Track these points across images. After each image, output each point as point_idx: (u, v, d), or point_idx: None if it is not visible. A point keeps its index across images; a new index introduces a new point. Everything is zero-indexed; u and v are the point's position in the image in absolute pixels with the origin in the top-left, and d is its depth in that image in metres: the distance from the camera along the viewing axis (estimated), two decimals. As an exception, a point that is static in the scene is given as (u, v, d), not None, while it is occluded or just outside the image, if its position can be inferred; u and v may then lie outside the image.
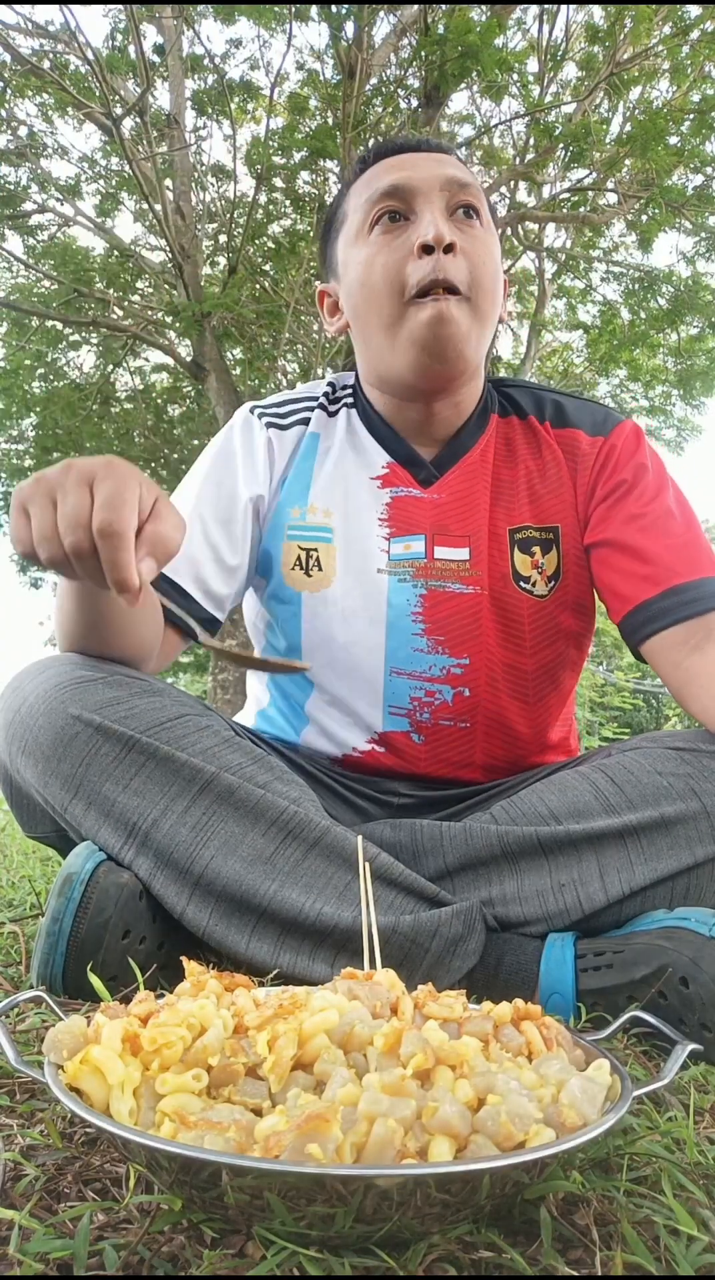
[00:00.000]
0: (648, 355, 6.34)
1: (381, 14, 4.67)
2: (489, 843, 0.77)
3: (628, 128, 4.73)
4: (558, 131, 4.67)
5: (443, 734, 0.91)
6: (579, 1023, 0.68)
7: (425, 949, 0.71)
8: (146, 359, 6.69)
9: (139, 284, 5.73)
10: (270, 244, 5.51)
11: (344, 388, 1.00)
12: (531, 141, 5.01)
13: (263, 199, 5.18)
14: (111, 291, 5.43)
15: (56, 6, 4.29)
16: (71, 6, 3.89)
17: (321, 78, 5.12)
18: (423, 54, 4.29)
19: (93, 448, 6.59)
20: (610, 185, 4.91)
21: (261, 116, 5.21)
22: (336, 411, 0.99)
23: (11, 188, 5.07)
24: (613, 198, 5.06)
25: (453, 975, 0.72)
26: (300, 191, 5.43)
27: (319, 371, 5.51)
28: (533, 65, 4.87)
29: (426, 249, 0.83)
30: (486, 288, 0.88)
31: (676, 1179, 0.43)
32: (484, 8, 4.32)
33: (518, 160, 5.25)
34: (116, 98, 4.26)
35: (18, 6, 4.29)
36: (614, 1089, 0.43)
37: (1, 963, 0.78)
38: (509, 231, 5.75)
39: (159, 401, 6.95)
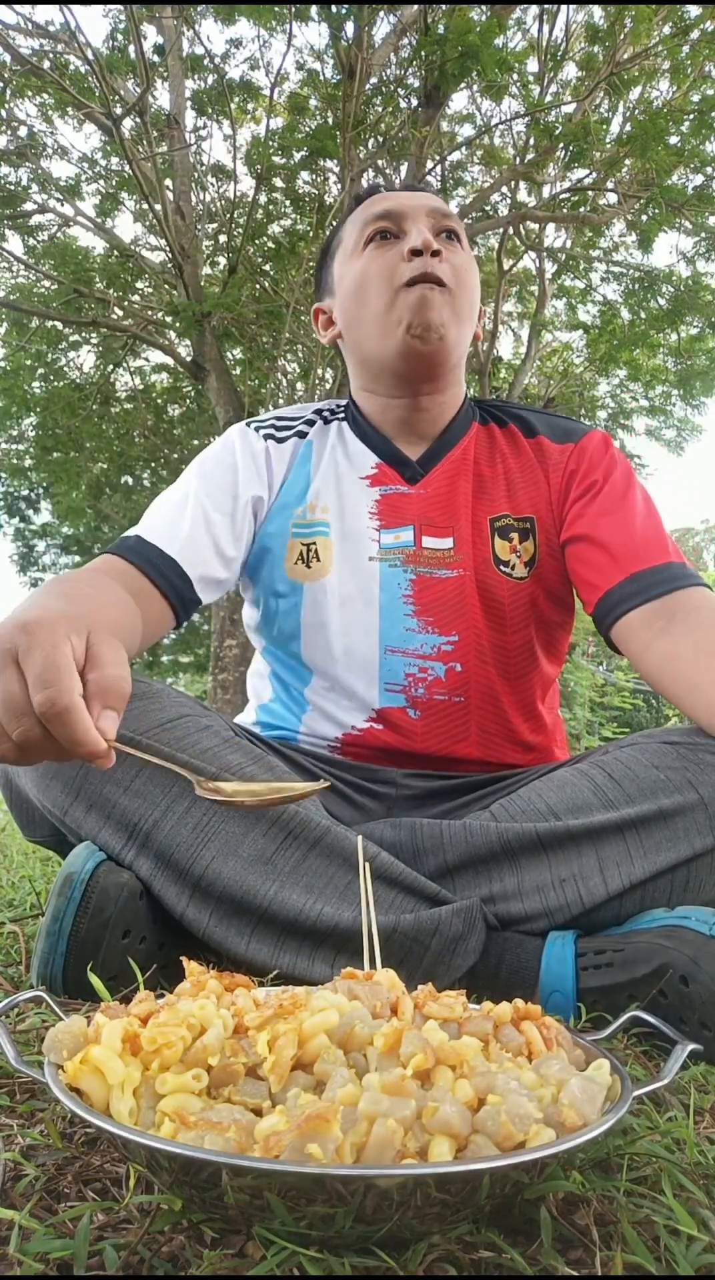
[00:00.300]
0: (648, 355, 6.34)
1: (381, 14, 4.67)
2: (489, 840, 0.77)
3: (628, 128, 4.73)
4: (558, 131, 4.67)
5: (438, 708, 0.95)
6: (579, 1022, 0.69)
7: (426, 947, 0.71)
8: (146, 359, 6.69)
9: (139, 284, 5.73)
10: (270, 244, 5.51)
11: (338, 406, 1.09)
12: (531, 141, 5.01)
13: (263, 199, 5.18)
14: (111, 291, 5.42)
15: (56, 6, 4.29)
16: (71, 6, 3.90)
17: (321, 78, 5.12)
18: (423, 54, 4.29)
19: (93, 447, 6.59)
20: (610, 185, 4.91)
21: (261, 116, 5.21)
22: (329, 424, 1.07)
23: (11, 188, 5.07)
24: (613, 198, 5.06)
25: (453, 973, 0.72)
26: (300, 191, 5.43)
27: (319, 371, 5.51)
28: (533, 65, 4.87)
29: (416, 252, 0.93)
30: (467, 290, 0.97)
31: (676, 1179, 0.43)
32: (484, 8, 4.31)
33: (518, 160, 5.25)
34: (116, 98, 4.26)
35: (18, 6, 4.30)
36: (614, 1089, 0.43)
37: (1, 962, 0.78)
38: (509, 231, 5.75)
39: (159, 401, 6.95)
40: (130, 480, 7.63)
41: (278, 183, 5.29)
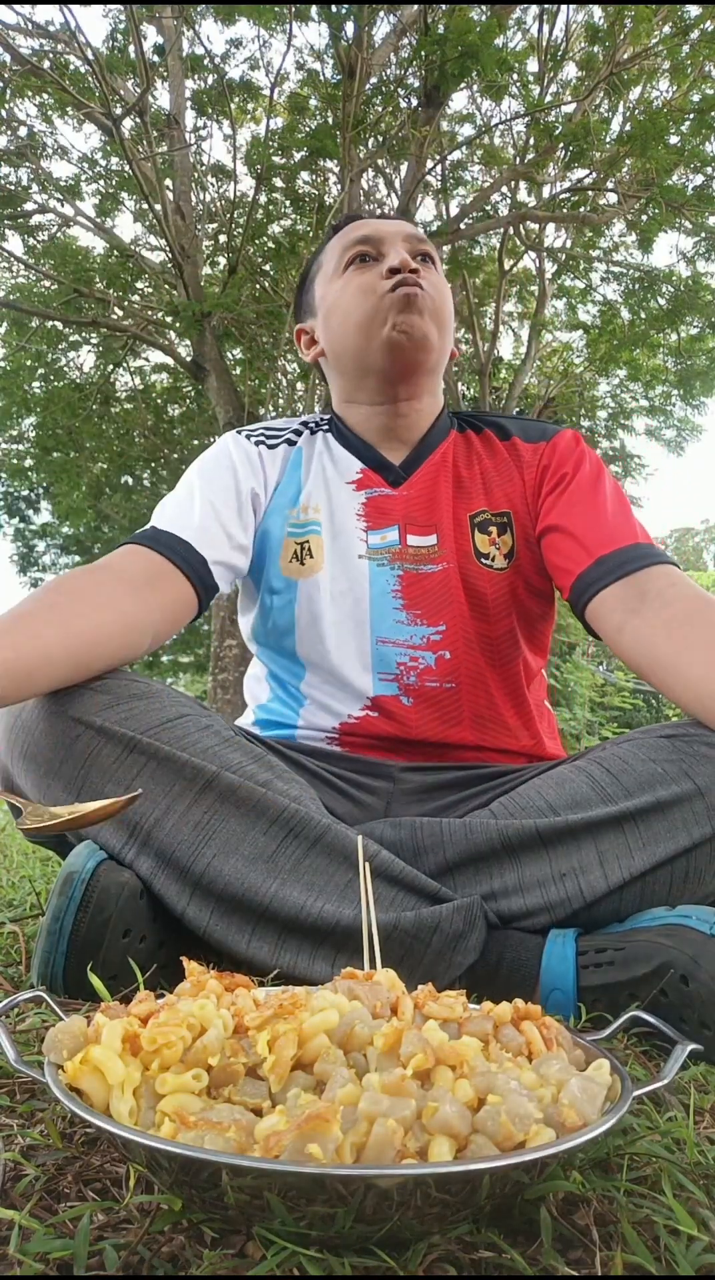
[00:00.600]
0: (648, 355, 6.34)
1: (381, 14, 4.67)
2: (489, 837, 0.77)
3: (628, 128, 4.73)
4: (558, 131, 4.67)
5: (430, 695, 0.97)
6: (579, 1021, 0.69)
7: (426, 945, 0.71)
8: (146, 359, 6.69)
9: (139, 284, 5.73)
10: (270, 244, 5.50)
11: (321, 419, 1.13)
12: (532, 141, 5.01)
13: (263, 199, 5.17)
14: (111, 291, 5.42)
15: (56, 6, 4.29)
16: (71, 6, 3.90)
17: (321, 77, 5.12)
18: (423, 54, 4.29)
19: (93, 447, 6.59)
20: (610, 185, 4.91)
21: (261, 116, 5.21)
22: (315, 434, 1.11)
23: (11, 188, 5.07)
24: (613, 198, 5.06)
25: (454, 971, 0.72)
26: (300, 191, 5.43)
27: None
28: (533, 65, 4.87)
29: (394, 271, 0.98)
30: (444, 305, 1.02)
31: (676, 1179, 0.43)
32: (484, 8, 4.31)
33: (518, 160, 5.25)
34: (116, 98, 4.26)
35: (18, 6, 4.30)
36: (614, 1089, 0.43)
37: (2, 962, 0.78)
38: (509, 231, 5.75)
39: (159, 401, 6.96)
40: (130, 480, 7.63)
41: (278, 183, 5.29)
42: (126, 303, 5.49)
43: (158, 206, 4.41)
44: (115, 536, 7.91)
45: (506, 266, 6.08)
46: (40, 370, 6.27)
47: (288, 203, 5.50)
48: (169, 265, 4.94)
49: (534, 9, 4.71)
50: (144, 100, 4.22)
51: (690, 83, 4.55)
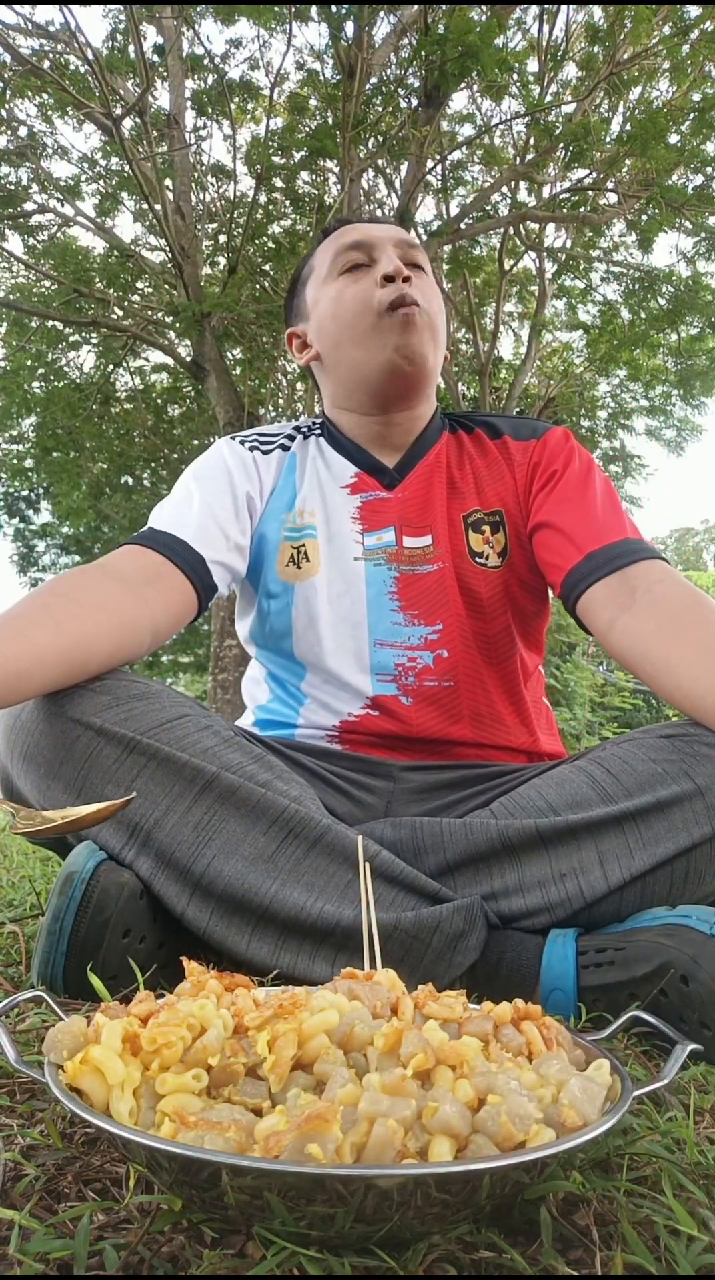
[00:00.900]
0: (648, 355, 6.34)
1: (381, 14, 4.67)
2: (489, 837, 0.77)
3: (627, 128, 4.73)
4: (558, 131, 4.67)
5: (429, 694, 0.98)
6: (579, 1021, 0.69)
7: (426, 945, 0.71)
8: (146, 359, 6.69)
9: (139, 284, 5.73)
10: (270, 244, 5.50)
11: (314, 423, 1.13)
12: (532, 141, 5.01)
13: (263, 199, 5.17)
14: (111, 291, 5.42)
15: (56, 6, 4.29)
16: (71, 6, 3.90)
17: (321, 77, 5.12)
18: (423, 54, 4.29)
19: (93, 447, 6.59)
20: (610, 185, 4.91)
21: (261, 116, 5.21)
22: (308, 439, 1.11)
23: (11, 188, 5.07)
24: (613, 198, 5.06)
25: (454, 971, 0.72)
26: (300, 191, 5.43)
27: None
28: (533, 65, 4.87)
29: (388, 279, 0.98)
30: (437, 316, 1.03)
31: (676, 1179, 0.43)
32: (484, 8, 4.31)
33: (518, 160, 5.25)
34: (116, 98, 4.26)
35: (18, 6, 4.30)
36: (614, 1089, 0.43)
37: (2, 962, 0.78)
38: (509, 231, 5.75)
39: (159, 401, 6.96)
40: (130, 480, 7.63)
41: (278, 183, 5.29)
42: (126, 303, 5.49)
43: (158, 206, 4.41)
44: (115, 536, 7.91)
45: (506, 266, 6.09)
46: (40, 370, 6.27)
47: (288, 203, 5.50)
48: (169, 265, 4.94)
49: (534, 9, 4.71)
50: (144, 100, 4.22)
51: (690, 83, 4.55)
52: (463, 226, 5.39)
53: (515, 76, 4.80)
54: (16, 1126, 0.47)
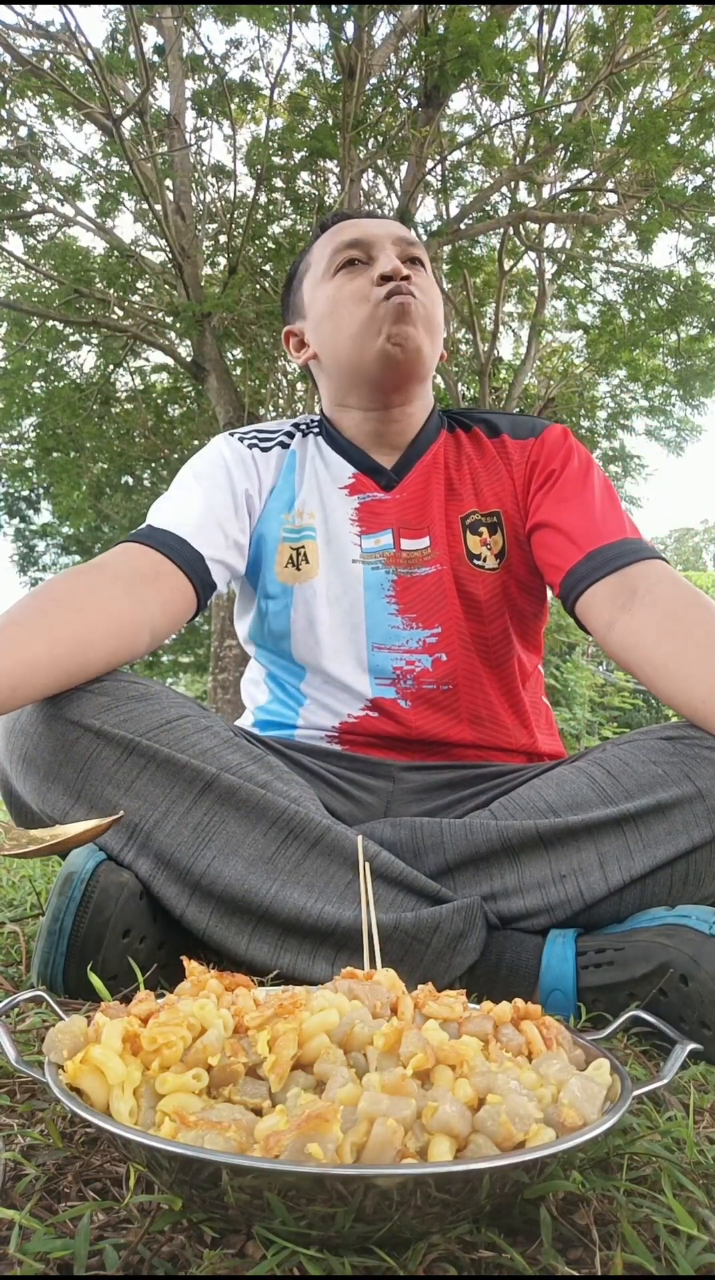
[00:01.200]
0: (647, 355, 6.34)
1: (381, 14, 4.67)
2: (489, 838, 0.77)
3: (628, 128, 4.73)
4: (558, 132, 4.67)
5: (427, 696, 0.98)
6: (579, 1021, 0.69)
7: (426, 945, 0.71)
8: (147, 359, 6.69)
9: (139, 284, 5.73)
10: (270, 244, 5.50)
11: (312, 421, 1.12)
12: (531, 141, 5.01)
13: (263, 199, 5.17)
14: (112, 292, 5.42)
15: (56, 6, 4.29)
16: (71, 6, 3.90)
17: (321, 78, 5.12)
18: (423, 54, 4.29)
19: (93, 447, 6.59)
20: (610, 185, 4.91)
21: (261, 117, 5.21)
22: (307, 437, 1.11)
23: (12, 188, 5.07)
24: (613, 198, 5.06)
25: (454, 971, 0.72)
26: (300, 192, 5.43)
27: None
28: (533, 65, 4.87)
29: (386, 278, 0.97)
30: (434, 310, 1.01)
31: (676, 1179, 0.43)
32: (484, 8, 4.32)
33: (518, 160, 5.25)
34: (117, 98, 4.26)
35: (18, 6, 4.30)
36: (614, 1089, 0.43)
37: (2, 962, 0.78)
38: (509, 231, 5.75)
39: (159, 402, 6.95)
40: (130, 480, 7.63)
41: (278, 183, 5.29)
42: (127, 303, 5.49)
43: (158, 207, 4.41)
44: (115, 536, 7.91)
45: (506, 267, 6.09)
46: (40, 370, 6.27)
47: (288, 203, 5.50)
48: (169, 265, 4.94)
49: (534, 9, 4.71)
50: (144, 101, 4.22)
51: (690, 83, 4.55)
52: (463, 227, 5.40)
53: (515, 77, 4.80)
54: (17, 1126, 0.47)
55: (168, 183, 4.91)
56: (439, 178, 5.45)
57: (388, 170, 5.62)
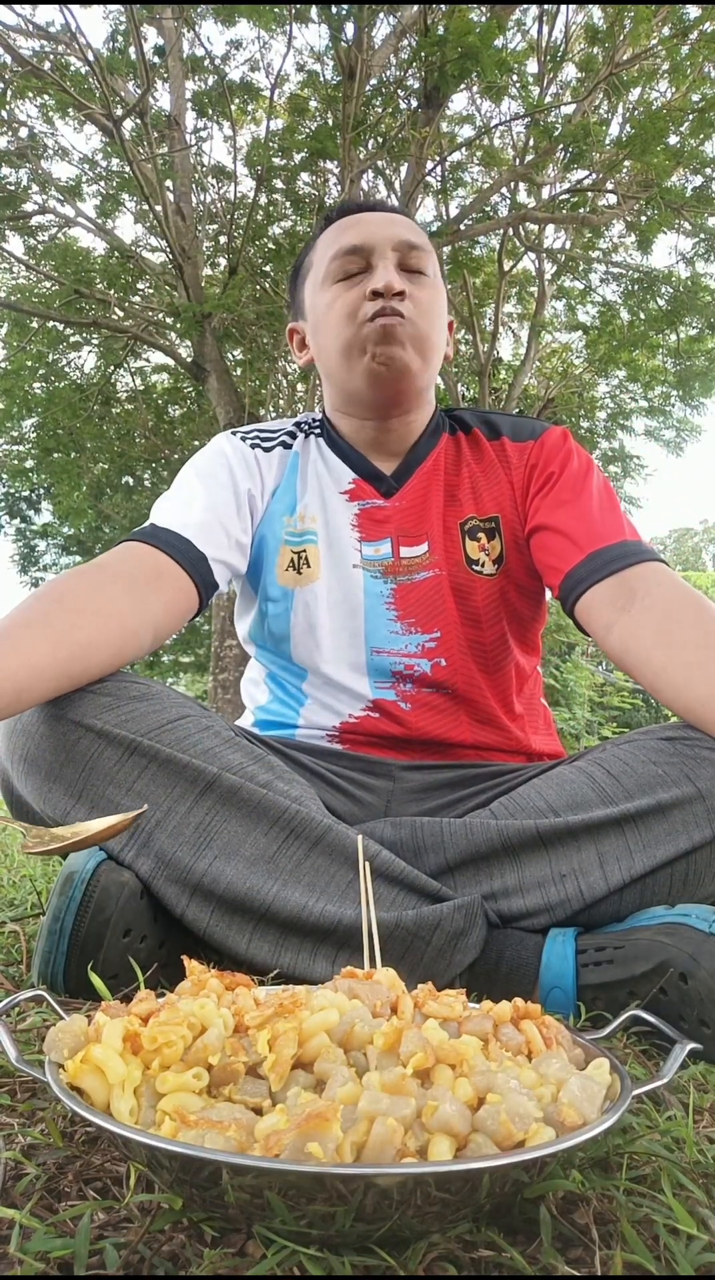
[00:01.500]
0: (647, 356, 6.34)
1: (381, 15, 4.68)
2: (489, 837, 0.78)
3: (627, 129, 4.74)
4: (557, 132, 4.67)
5: (426, 700, 0.98)
6: (579, 1020, 0.69)
7: (427, 943, 0.71)
8: (147, 360, 6.69)
9: (139, 285, 5.73)
10: (270, 245, 5.51)
11: (313, 421, 1.12)
12: (531, 142, 5.01)
13: (263, 200, 5.18)
14: (112, 292, 5.42)
15: (56, 7, 4.29)
16: (71, 7, 3.90)
17: (321, 79, 5.13)
18: (422, 55, 4.30)
19: (93, 448, 6.60)
20: (610, 186, 4.92)
21: (261, 118, 5.22)
22: (308, 438, 1.10)
23: (12, 189, 5.07)
24: (612, 199, 5.06)
25: (454, 969, 0.72)
26: (300, 193, 5.43)
27: (319, 372, 5.50)
28: (532, 66, 4.87)
29: (377, 294, 0.96)
30: (430, 321, 0.99)
31: (676, 1178, 0.43)
32: (484, 8, 4.32)
33: (517, 161, 5.25)
34: (117, 99, 4.27)
35: (18, 7, 4.30)
36: (613, 1088, 0.43)
37: (2, 962, 0.78)
38: (509, 232, 5.76)
39: (160, 402, 6.96)
40: (131, 481, 7.63)
41: (278, 184, 5.30)
42: (127, 304, 5.49)
43: (158, 207, 4.42)
44: (116, 536, 7.91)
45: (506, 267, 6.09)
46: (41, 371, 6.27)
47: (288, 204, 5.50)
48: (169, 266, 4.94)
49: (534, 10, 4.71)
50: (144, 101, 4.23)
51: (690, 83, 4.55)
52: (462, 227, 5.40)
53: (515, 77, 4.80)
54: (17, 1125, 0.47)
55: (168, 183, 4.91)
56: (439, 178, 5.46)
57: (388, 171, 5.62)
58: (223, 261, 5.73)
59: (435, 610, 0.99)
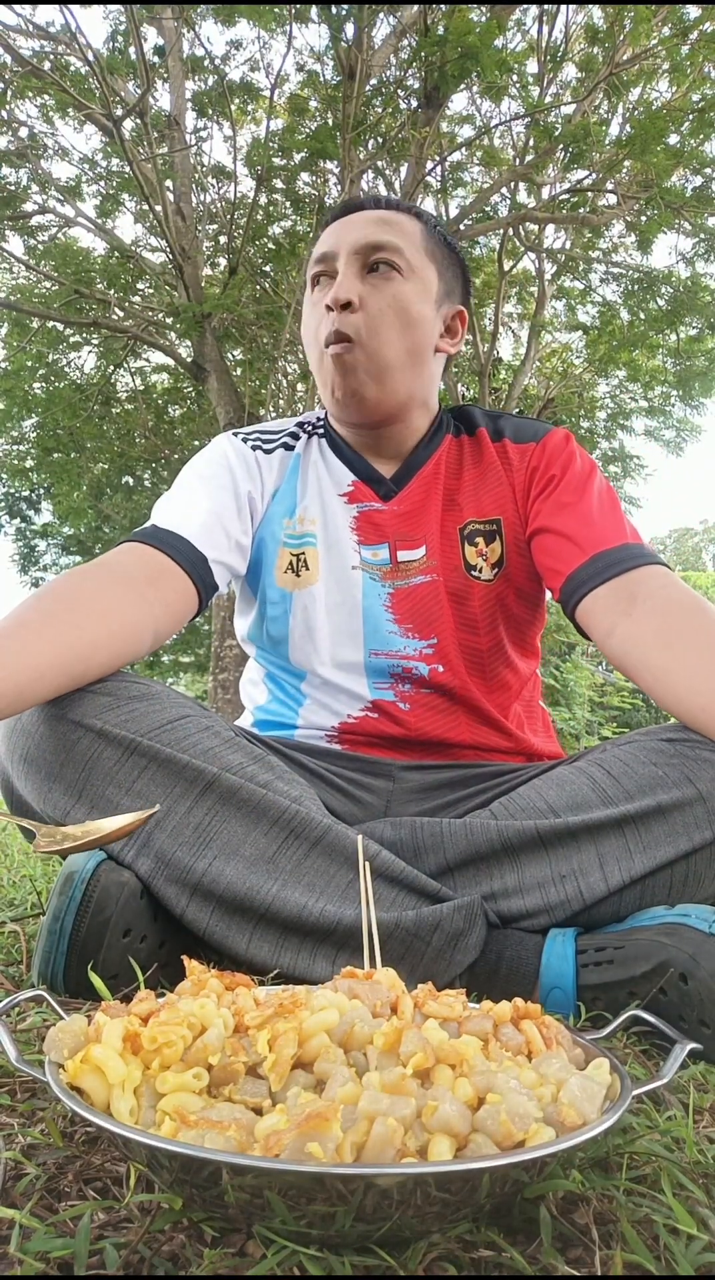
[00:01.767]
0: (647, 356, 6.34)
1: (381, 15, 4.68)
2: (489, 837, 0.78)
3: (627, 129, 4.74)
4: (557, 132, 4.67)
5: (425, 701, 0.99)
6: (579, 1020, 0.69)
7: (427, 943, 0.71)
8: (147, 360, 6.69)
9: (139, 285, 5.73)
10: (270, 245, 5.51)
11: (317, 421, 1.12)
12: (531, 142, 5.01)
13: (263, 200, 5.18)
14: (112, 292, 5.42)
15: (56, 7, 4.29)
16: (71, 7, 3.90)
17: (321, 79, 5.13)
18: (422, 55, 4.30)
19: (93, 448, 6.60)
20: (609, 186, 4.92)
21: (261, 118, 5.22)
22: (310, 439, 1.10)
23: (12, 189, 5.07)
24: (612, 199, 5.06)
25: (454, 970, 0.72)
26: (300, 193, 5.43)
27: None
28: (532, 66, 4.87)
29: (329, 308, 0.96)
30: (389, 332, 0.96)
31: (676, 1178, 0.43)
32: (484, 8, 4.32)
33: (517, 161, 5.25)
34: (117, 99, 4.27)
35: (18, 7, 4.30)
36: (613, 1088, 0.43)
37: (3, 962, 0.78)
38: (509, 232, 5.76)
39: (160, 402, 6.95)
40: (131, 481, 7.63)
41: (278, 184, 5.29)
42: (127, 304, 5.49)
43: (158, 208, 4.41)
44: (116, 536, 7.91)
45: (506, 267, 6.08)
46: (41, 371, 6.26)
47: (288, 204, 5.50)
48: (169, 266, 4.94)
49: (534, 10, 4.71)
50: (144, 101, 4.23)
51: (690, 83, 4.55)
52: (462, 227, 5.40)
53: (515, 77, 4.80)
54: (17, 1125, 0.47)
55: (168, 183, 4.91)
56: (439, 178, 5.46)
57: (388, 171, 5.62)
58: (222, 261, 5.73)
59: (432, 615, 0.99)
